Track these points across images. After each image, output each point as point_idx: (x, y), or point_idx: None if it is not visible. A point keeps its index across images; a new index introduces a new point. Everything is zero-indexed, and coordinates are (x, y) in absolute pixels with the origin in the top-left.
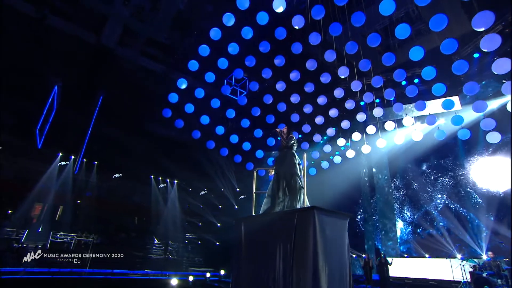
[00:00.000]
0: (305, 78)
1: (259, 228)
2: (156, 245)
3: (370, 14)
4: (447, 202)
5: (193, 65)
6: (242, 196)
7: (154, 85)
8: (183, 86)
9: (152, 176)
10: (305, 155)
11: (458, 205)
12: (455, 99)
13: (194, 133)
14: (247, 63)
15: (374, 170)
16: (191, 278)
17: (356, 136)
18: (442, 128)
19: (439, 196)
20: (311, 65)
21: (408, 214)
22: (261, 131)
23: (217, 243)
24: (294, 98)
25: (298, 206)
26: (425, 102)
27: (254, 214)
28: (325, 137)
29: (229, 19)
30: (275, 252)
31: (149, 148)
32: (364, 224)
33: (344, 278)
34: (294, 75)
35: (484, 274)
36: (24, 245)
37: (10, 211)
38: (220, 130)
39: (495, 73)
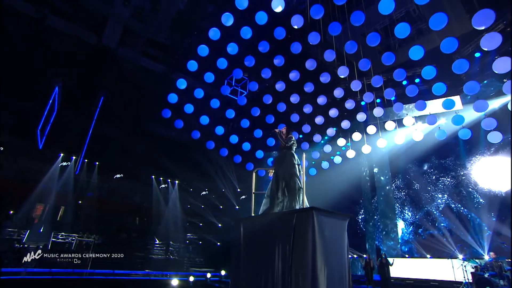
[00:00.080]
0: (305, 78)
1: (258, 229)
2: (157, 245)
3: (370, 13)
4: (448, 202)
5: (192, 65)
6: (243, 197)
7: (155, 85)
8: (183, 87)
9: (153, 177)
10: (304, 155)
11: (459, 205)
12: (456, 98)
13: (193, 134)
14: (247, 63)
15: (375, 170)
16: (191, 278)
17: (356, 136)
18: (443, 128)
19: (441, 196)
20: (310, 65)
21: (409, 214)
22: (261, 131)
23: (218, 244)
24: (294, 98)
25: (297, 207)
26: (426, 102)
27: (253, 214)
28: (325, 137)
29: (228, 19)
30: (274, 252)
31: (150, 149)
32: (365, 224)
33: (343, 279)
34: (294, 75)
35: (486, 275)
36: (26, 246)
37: (11, 212)
38: (220, 130)
39: (496, 72)
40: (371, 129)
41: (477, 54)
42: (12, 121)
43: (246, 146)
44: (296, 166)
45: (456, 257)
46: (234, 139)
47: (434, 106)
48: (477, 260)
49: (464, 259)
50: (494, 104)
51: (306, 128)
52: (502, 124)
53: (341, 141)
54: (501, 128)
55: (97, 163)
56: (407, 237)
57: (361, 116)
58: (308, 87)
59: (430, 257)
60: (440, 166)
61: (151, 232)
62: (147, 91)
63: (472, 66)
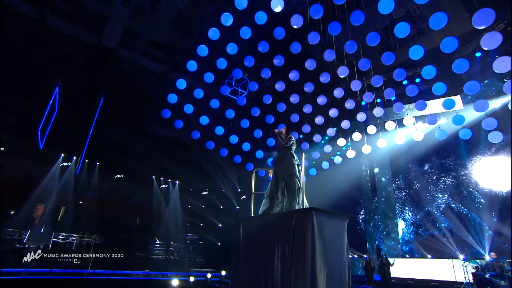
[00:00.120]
0: (304, 78)
1: (257, 229)
2: (158, 245)
3: (370, 13)
4: (449, 202)
5: (192, 65)
6: (244, 197)
7: (155, 85)
8: (183, 87)
9: (153, 177)
10: (303, 155)
11: (460, 205)
12: (457, 98)
13: (193, 134)
14: (246, 63)
15: (375, 170)
16: (192, 278)
17: (356, 136)
18: (444, 128)
19: (441, 196)
20: (310, 64)
21: (410, 214)
22: (261, 131)
23: (219, 244)
24: (294, 98)
25: (296, 207)
26: (426, 101)
27: (252, 215)
28: (326, 137)
29: (227, 19)
30: (274, 253)
31: (151, 149)
32: (366, 225)
33: (343, 279)
34: (293, 75)
35: (487, 275)
36: (26, 246)
37: (12, 212)
38: (219, 130)
39: (496, 71)
40: (371, 129)
41: (478, 54)
42: (12, 121)
43: (246, 146)
44: (296, 166)
45: (457, 257)
46: (234, 139)
47: (434, 106)
48: (478, 261)
49: (465, 259)
50: (495, 104)
51: (306, 128)
52: (503, 124)
53: (341, 141)
54: (501, 128)
55: (97, 163)
56: (408, 237)
57: (361, 116)
58: (308, 87)
59: (430, 257)
60: (441, 166)
61: (151, 232)
62: (147, 91)
63: (472, 66)
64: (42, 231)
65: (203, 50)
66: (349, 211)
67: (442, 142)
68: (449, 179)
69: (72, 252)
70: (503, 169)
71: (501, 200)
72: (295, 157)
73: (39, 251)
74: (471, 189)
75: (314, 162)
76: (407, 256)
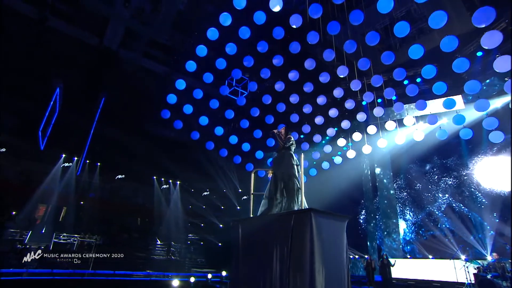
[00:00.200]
0: (304, 78)
1: (256, 230)
2: (159, 246)
3: (370, 13)
4: (450, 202)
5: (191, 65)
6: (245, 197)
7: (156, 86)
8: (182, 87)
9: (154, 177)
10: (302, 155)
11: (461, 206)
12: (458, 98)
13: (193, 134)
14: (246, 63)
15: (376, 170)
16: (192, 279)
17: (356, 136)
18: (445, 128)
19: (443, 196)
20: (309, 64)
21: (411, 214)
22: (261, 131)
23: (220, 244)
24: (294, 98)
25: (295, 208)
26: (427, 101)
27: (251, 215)
28: (327, 138)
29: (226, 19)
30: (272, 254)
31: (152, 149)
32: (367, 225)
33: (342, 281)
34: (293, 75)
35: (489, 276)
36: (28, 246)
37: (14, 212)
38: (219, 131)
39: (497, 71)
40: (371, 129)
41: (479, 53)
42: (14, 122)
43: (246, 146)
44: (295, 167)
45: (458, 258)
46: (233, 139)
47: (435, 105)
48: (479, 261)
49: (466, 260)
50: (496, 103)
51: (306, 129)
52: (504, 123)
53: (341, 141)
54: (502, 128)
55: (98, 164)
56: (409, 238)
57: (361, 116)
58: (308, 87)
59: (432, 258)
60: (442, 166)
61: (152, 232)
62: (148, 92)
63: (474, 65)
64: (43, 231)
65: (202, 51)
66: (350, 211)
67: (444, 142)
68: (451, 179)
69: (73, 252)
70: (505, 169)
71: (503, 200)
72: (294, 158)
73: (39, 251)
74: (472, 189)
75: (314, 163)
76: (408, 256)
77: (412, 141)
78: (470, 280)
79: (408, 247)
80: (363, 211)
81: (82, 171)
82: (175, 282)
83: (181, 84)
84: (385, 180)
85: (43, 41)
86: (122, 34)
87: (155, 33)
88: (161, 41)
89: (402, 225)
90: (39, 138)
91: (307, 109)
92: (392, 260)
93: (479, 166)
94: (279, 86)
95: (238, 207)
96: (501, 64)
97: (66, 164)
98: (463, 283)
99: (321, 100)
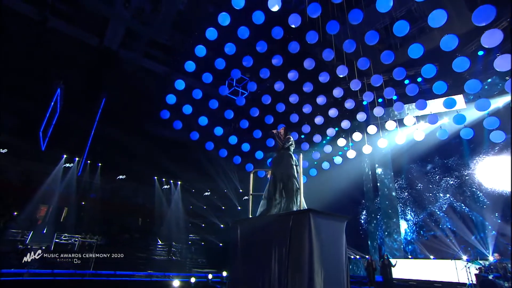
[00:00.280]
0: (304, 78)
1: (255, 231)
2: (160, 246)
3: (370, 13)
4: (452, 202)
5: (190, 66)
6: (246, 197)
7: (157, 86)
8: (181, 87)
9: (155, 178)
10: (301, 156)
11: (463, 206)
12: (459, 97)
13: (192, 134)
14: (245, 63)
15: (377, 171)
16: (193, 279)
17: (357, 136)
18: (445, 127)
19: (444, 196)
20: (309, 64)
21: (412, 214)
22: (261, 132)
23: (220, 244)
24: (293, 98)
25: (294, 208)
26: (427, 101)
27: (250, 216)
28: (327, 138)
29: (224, 19)
30: (271, 255)
31: (153, 149)
32: (367, 225)
33: (341, 282)
34: (292, 75)
35: (490, 276)
36: (29, 247)
37: (15, 213)
38: (219, 131)
39: (498, 70)
40: (371, 129)
41: (480, 53)
42: (14, 122)
43: (246, 147)
44: (294, 167)
45: (459, 258)
46: (233, 139)
47: (435, 105)
48: (481, 262)
49: (468, 260)
50: (498, 103)
51: (306, 129)
52: (505, 123)
53: (341, 141)
54: (504, 127)
55: (99, 164)
56: (410, 238)
57: (361, 116)
58: (307, 87)
59: (433, 258)
60: (443, 165)
61: (153, 233)
62: (149, 92)
63: (475, 64)
64: (44, 232)
65: (201, 51)
66: (350, 211)
67: (445, 141)
68: (452, 179)
69: (74, 253)
70: (507, 169)
71: (504, 200)
72: (294, 158)
73: (39, 251)
74: (474, 189)
75: (315, 163)
76: (410, 256)
77: (413, 141)
78: (472, 280)
79: (409, 247)
80: (364, 211)
81: (83, 171)
82: (176, 282)
83: (180, 85)
84: (386, 180)
85: (43, 41)
86: (122, 34)
87: (155, 33)
88: (161, 41)
89: (403, 225)
90: (40, 139)
91: (307, 109)
92: (393, 261)
93: (480, 166)
94: (278, 86)
95: (239, 208)
96: (501, 63)
97: (67, 165)
98: (464, 284)
99: (321, 100)
